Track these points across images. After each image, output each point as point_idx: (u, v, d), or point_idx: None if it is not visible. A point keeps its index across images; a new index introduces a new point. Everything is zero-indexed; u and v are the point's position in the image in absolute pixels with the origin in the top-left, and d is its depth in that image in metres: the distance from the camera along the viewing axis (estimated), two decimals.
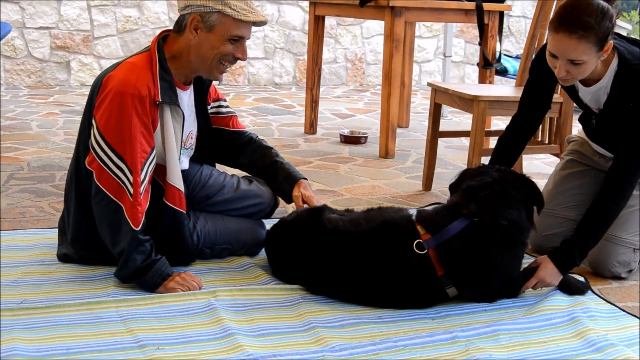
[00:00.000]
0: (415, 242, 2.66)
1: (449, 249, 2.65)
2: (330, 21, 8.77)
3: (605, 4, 2.74)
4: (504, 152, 3.23)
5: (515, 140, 3.25)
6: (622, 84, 2.89)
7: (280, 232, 2.93)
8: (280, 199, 3.24)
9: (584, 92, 3.04)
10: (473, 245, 2.65)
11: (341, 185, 4.34)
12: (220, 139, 3.15)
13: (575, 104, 3.27)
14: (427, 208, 3.02)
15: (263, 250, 3.07)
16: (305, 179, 3.13)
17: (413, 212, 2.87)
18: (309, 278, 2.75)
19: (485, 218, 2.67)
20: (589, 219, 2.91)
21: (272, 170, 3.14)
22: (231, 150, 3.18)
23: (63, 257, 2.93)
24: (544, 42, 3.05)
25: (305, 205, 3.02)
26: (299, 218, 2.92)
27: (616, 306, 2.79)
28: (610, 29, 2.74)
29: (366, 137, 5.63)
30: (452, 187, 2.92)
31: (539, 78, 3.15)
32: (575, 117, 3.50)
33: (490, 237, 2.66)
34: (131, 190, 2.62)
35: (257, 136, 3.22)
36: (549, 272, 2.82)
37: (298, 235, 2.83)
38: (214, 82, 3.10)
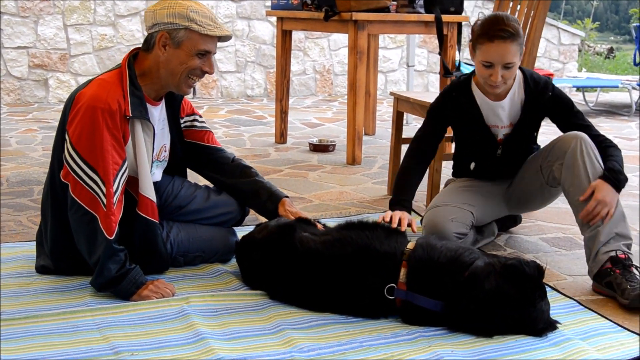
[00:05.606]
0: (388, 287, 2.54)
1: (414, 313, 2.52)
2: (298, 35, 8.78)
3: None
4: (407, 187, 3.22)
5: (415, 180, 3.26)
6: (532, 86, 3.13)
7: (250, 249, 2.85)
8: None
9: (498, 109, 3.17)
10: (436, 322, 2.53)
11: (310, 192, 4.34)
12: (194, 153, 3.14)
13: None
14: (437, 244, 2.62)
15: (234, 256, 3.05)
16: (287, 197, 3.11)
17: (411, 241, 2.65)
18: (279, 294, 2.69)
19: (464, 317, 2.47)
20: (609, 152, 3.02)
21: (254, 190, 3.11)
22: (206, 164, 3.16)
23: (41, 269, 2.90)
24: (444, 89, 3.26)
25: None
26: (269, 236, 2.79)
27: (574, 299, 2.80)
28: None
29: (334, 145, 5.64)
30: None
31: (435, 123, 3.28)
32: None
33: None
34: (105, 201, 2.61)
35: (235, 155, 3.20)
36: (607, 191, 2.91)
37: (268, 255, 2.73)
38: (187, 97, 3.08)
